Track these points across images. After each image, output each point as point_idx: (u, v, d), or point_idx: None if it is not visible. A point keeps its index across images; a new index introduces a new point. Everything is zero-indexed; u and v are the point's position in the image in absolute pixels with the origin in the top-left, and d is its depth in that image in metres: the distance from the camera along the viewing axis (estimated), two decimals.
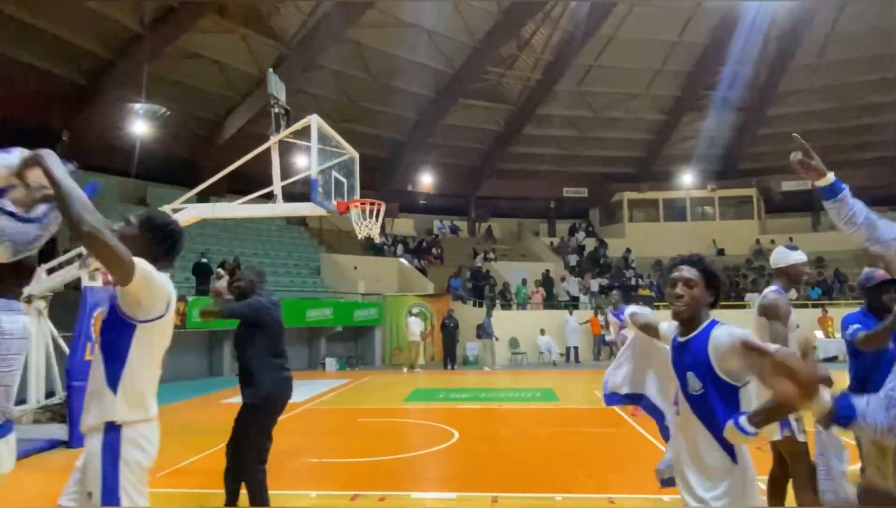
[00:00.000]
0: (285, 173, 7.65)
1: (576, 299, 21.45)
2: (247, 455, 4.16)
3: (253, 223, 19.88)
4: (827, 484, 3.33)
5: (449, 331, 17.30)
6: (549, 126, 24.71)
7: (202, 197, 9.70)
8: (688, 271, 2.30)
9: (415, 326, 16.89)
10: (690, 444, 2.25)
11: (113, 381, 2.21)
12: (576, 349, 18.38)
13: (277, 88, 7.56)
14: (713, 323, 2.26)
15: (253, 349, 4.24)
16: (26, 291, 4.08)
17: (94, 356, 2.30)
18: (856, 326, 3.52)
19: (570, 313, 18.99)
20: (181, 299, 12.32)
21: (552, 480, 5.56)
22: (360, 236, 8.22)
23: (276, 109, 7.42)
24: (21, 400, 7.48)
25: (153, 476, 5.69)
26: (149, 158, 17.93)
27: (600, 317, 17.81)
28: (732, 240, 24.49)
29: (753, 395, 2.20)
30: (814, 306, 18.68)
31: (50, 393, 7.99)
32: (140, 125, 17.72)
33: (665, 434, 2.92)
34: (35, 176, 2.06)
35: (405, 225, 25.55)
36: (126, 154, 17.32)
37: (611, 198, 26.96)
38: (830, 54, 22.02)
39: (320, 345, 17.57)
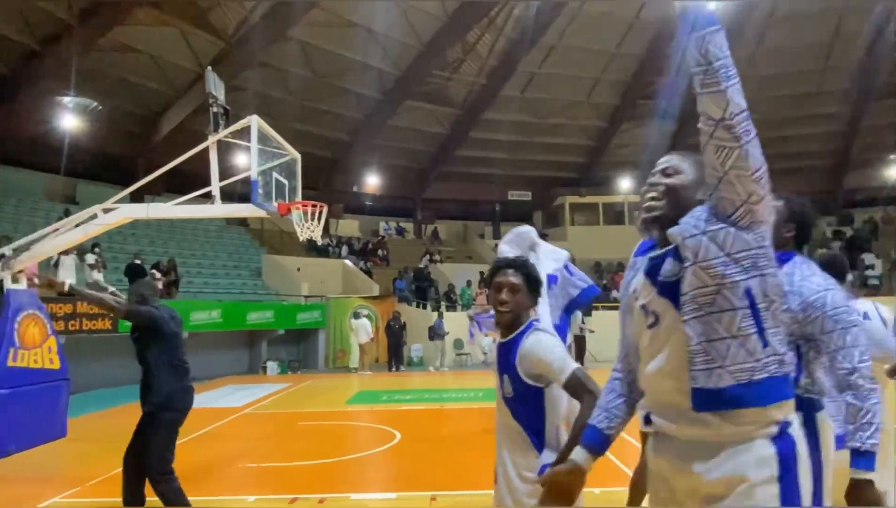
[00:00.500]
0: (225, 173, 7.47)
1: None
2: (149, 468, 4.06)
3: (191, 224, 19.27)
4: None
5: (394, 332, 17.30)
6: (494, 130, 25.09)
7: (137, 196, 9.40)
8: (513, 276, 2.30)
9: (366, 327, 16.82)
10: (507, 441, 2.33)
11: None
12: None
13: (216, 86, 7.37)
14: (530, 326, 2.30)
15: (152, 357, 4.21)
16: None
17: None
18: None
19: None
20: None
21: (489, 477, 5.66)
22: (301, 239, 8.13)
23: (215, 109, 7.24)
24: None
25: (83, 485, 5.51)
26: (79, 155, 17.15)
27: None
28: None
29: (557, 397, 2.27)
30: None
31: None
32: (69, 119, 16.86)
33: None
34: None
35: (350, 226, 25.37)
36: (54, 150, 16.46)
37: (553, 202, 27.67)
38: (762, 68, 23.31)
39: (261, 349, 17.20)
